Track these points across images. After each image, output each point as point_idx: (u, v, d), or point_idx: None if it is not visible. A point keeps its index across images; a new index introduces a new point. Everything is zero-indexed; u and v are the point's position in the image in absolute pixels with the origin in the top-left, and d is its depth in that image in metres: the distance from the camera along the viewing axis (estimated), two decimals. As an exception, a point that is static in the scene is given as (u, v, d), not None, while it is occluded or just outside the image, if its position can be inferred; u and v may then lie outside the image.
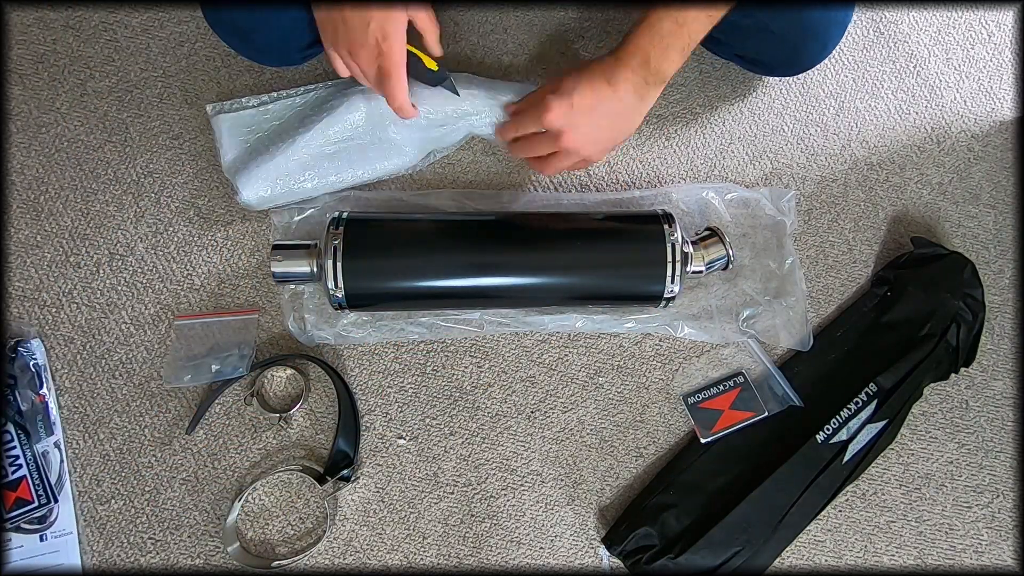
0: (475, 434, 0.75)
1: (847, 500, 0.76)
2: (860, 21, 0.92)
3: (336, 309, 0.69)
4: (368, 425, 0.74)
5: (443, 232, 0.71)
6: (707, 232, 0.74)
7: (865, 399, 0.75)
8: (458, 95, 0.72)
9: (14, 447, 0.68)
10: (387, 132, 0.76)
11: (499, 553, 0.73)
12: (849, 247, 0.84)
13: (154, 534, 0.71)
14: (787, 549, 0.73)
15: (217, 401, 0.73)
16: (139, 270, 0.77)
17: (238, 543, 0.71)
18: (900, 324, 0.78)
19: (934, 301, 0.78)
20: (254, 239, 0.78)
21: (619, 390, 0.77)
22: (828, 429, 0.74)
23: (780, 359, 0.79)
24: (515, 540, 0.74)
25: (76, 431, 0.72)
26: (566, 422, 0.76)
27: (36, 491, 0.68)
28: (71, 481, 0.71)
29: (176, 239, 0.78)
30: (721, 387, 0.77)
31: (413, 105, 0.68)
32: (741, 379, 0.77)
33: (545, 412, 0.76)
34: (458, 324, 0.75)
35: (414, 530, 0.73)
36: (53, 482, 0.70)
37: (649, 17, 0.65)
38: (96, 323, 0.75)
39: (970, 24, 0.94)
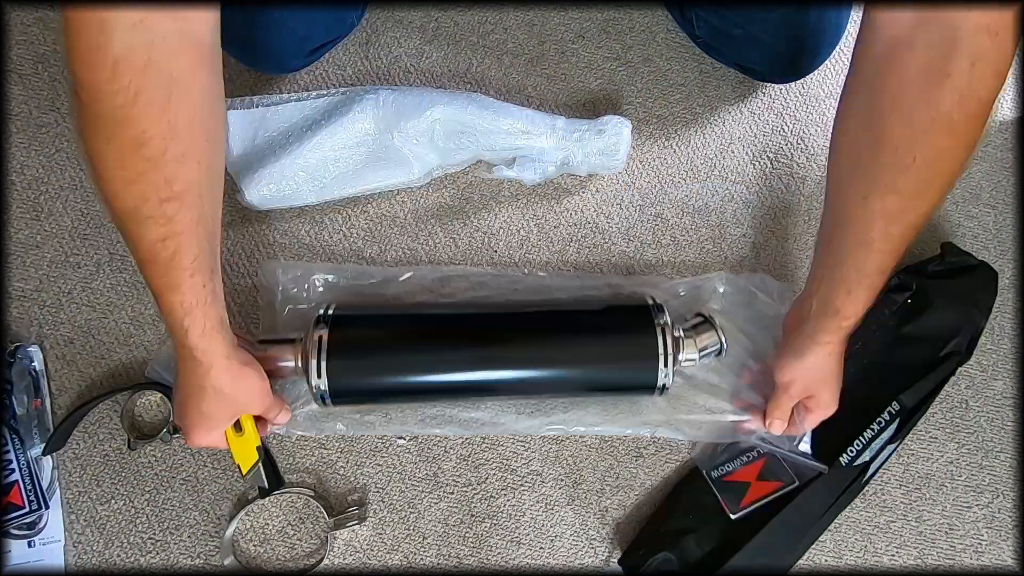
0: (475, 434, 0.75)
1: (847, 500, 0.76)
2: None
3: (321, 405, 0.67)
4: (368, 425, 0.74)
5: (429, 329, 0.69)
6: (698, 319, 0.70)
7: (888, 418, 0.73)
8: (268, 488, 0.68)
9: (8, 452, 0.67)
10: (394, 143, 0.75)
11: (499, 553, 0.73)
12: (849, 247, 0.83)
13: (154, 534, 0.71)
14: (787, 549, 0.73)
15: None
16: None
17: (232, 556, 0.71)
18: (923, 340, 0.75)
19: (962, 317, 0.76)
20: (254, 239, 0.79)
21: (619, 390, 0.77)
22: (852, 452, 0.72)
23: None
24: (515, 540, 0.74)
25: (76, 431, 0.72)
26: (566, 422, 0.76)
27: (28, 497, 0.67)
28: (65, 485, 0.71)
29: (176, 239, 0.78)
30: (745, 458, 0.73)
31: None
32: (765, 448, 0.73)
33: (545, 412, 0.76)
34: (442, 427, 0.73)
35: (414, 530, 0.73)
36: (45, 488, 0.69)
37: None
38: (96, 323, 0.75)
39: (970, 24, 0.93)
